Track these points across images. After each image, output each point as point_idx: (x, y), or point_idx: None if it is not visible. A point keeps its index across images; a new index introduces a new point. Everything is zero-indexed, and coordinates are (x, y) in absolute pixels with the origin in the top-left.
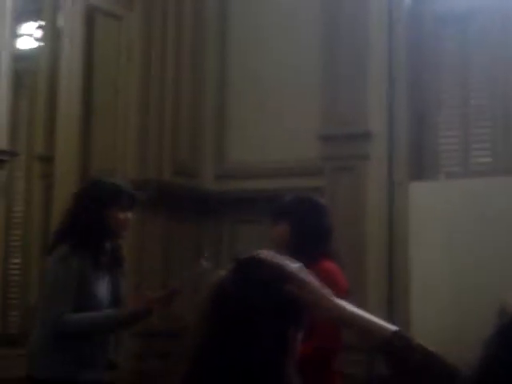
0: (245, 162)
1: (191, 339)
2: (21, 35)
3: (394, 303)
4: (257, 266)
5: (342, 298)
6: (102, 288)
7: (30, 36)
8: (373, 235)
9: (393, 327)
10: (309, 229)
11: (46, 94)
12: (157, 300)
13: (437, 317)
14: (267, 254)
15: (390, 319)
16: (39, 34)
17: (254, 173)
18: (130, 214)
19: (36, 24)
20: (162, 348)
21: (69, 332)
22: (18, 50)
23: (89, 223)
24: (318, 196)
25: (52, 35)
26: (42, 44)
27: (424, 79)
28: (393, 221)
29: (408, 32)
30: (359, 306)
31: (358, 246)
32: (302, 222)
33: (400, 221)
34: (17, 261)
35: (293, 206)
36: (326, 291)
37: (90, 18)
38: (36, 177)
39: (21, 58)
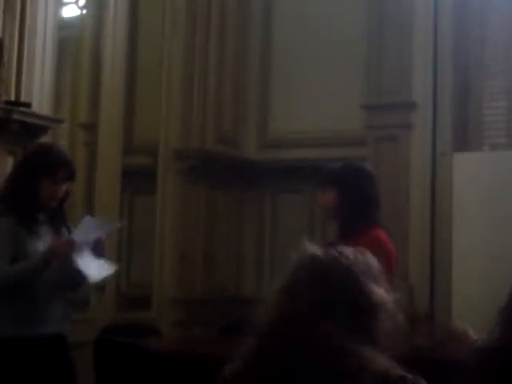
0: (288, 132)
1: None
2: (65, 3)
3: (435, 273)
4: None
5: (393, 265)
6: (39, 246)
7: (74, 4)
8: (416, 205)
9: None
10: (360, 197)
11: (90, 62)
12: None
13: (479, 288)
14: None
15: (432, 289)
16: (83, 1)
17: (297, 143)
18: (63, 187)
19: None
20: (204, 316)
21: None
22: (62, 18)
23: (20, 192)
24: (367, 164)
25: (96, 3)
26: (85, 12)
27: (469, 49)
28: (436, 192)
29: (453, 2)
30: (402, 276)
31: (401, 216)
32: (353, 190)
33: (443, 192)
34: None
35: (344, 173)
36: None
37: None
38: (80, 144)
39: (65, 26)
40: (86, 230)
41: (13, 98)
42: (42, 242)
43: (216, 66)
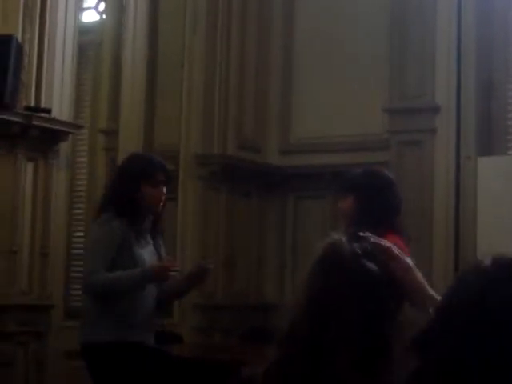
0: (309, 137)
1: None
2: (85, 8)
3: None
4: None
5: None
6: (145, 254)
7: (93, 9)
8: (440, 210)
9: None
10: (375, 204)
11: (110, 67)
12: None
13: None
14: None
15: None
16: (103, 6)
17: (319, 147)
18: (163, 189)
19: None
20: (225, 323)
21: (98, 291)
22: (83, 23)
23: (124, 197)
24: (387, 170)
25: (116, 8)
26: (106, 17)
27: (492, 53)
28: (460, 196)
29: (477, 4)
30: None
31: (425, 220)
32: (369, 196)
33: (468, 196)
34: (80, 234)
35: (362, 180)
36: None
37: None
38: (100, 150)
39: (85, 31)
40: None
41: (33, 104)
42: (147, 250)
43: (237, 70)
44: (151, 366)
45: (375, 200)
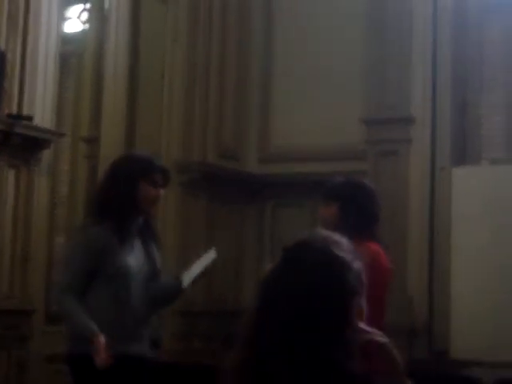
0: (288, 146)
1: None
2: (67, 18)
3: (434, 287)
4: (304, 251)
5: (387, 278)
6: (131, 259)
7: (76, 19)
8: (415, 219)
9: None
10: (358, 213)
11: (92, 76)
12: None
13: (477, 299)
14: (313, 237)
15: (430, 301)
16: (85, 16)
17: (297, 157)
18: (161, 191)
19: (82, 7)
20: (204, 328)
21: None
22: (65, 32)
23: (115, 198)
24: (368, 180)
25: (98, 18)
26: (88, 27)
27: (467, 65)
28: (435, 206)
29: (452, 18)
30: (400, 288)
31: (400, 229)
32: (353, 207)
33: (442, 206)
34: (61, 240)
35: (346, 189)
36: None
37: (136, 0)
38: (81, 157)
39: (67, 40)
40: (200, 263)
41: (15, 112)
42: (133, 255)
43: (217, 79)
44: (130, 376)
45: (359, 211)
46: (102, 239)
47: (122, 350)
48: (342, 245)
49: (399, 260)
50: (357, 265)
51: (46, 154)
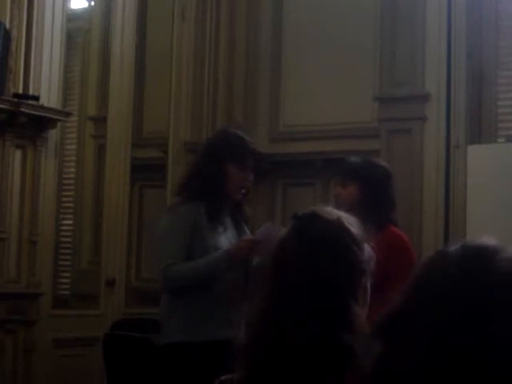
0: (299, 125)
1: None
2: None
3: None
4: (313, 222)
5: (413, 263)
6: (221, 240)
7: None
8: (430, 198)
9: None
10: (381, 197)
11: (99, 54)
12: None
13: None
14: (324, 210)
15: None
16: None
17: (309, 135)
18: (250, 175)
19: None
20: None
21: (178, 285)
22: (71, 9)
23: (207, 177)
24: (385, 162)
25: None
26: (94, 3)
27: (483, 40)
28: (450, 184)
29: None
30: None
31: (415, 209)
32: (374, 189)
33: (457, 185)
34: (69, 222)
35: (367, 171)
36: None
37: None
38: (88, 137)
39: (73, 17)
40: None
41: (21, 91)
42: (225, 236)
43: (226, 56)
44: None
45: (380, 194)
46: (191, 218)
47: (213, 336)
48: (354, 223)
49: (414, 241)
50: (367, 248)
51: (53, 134)
